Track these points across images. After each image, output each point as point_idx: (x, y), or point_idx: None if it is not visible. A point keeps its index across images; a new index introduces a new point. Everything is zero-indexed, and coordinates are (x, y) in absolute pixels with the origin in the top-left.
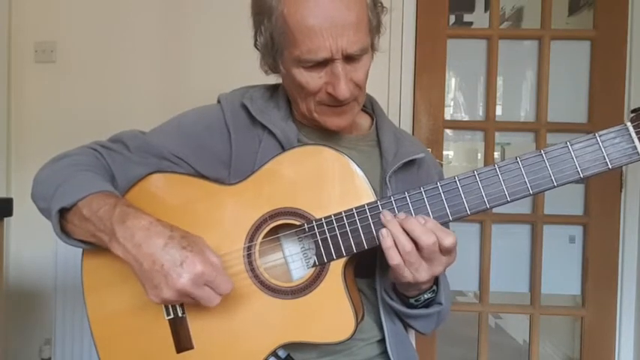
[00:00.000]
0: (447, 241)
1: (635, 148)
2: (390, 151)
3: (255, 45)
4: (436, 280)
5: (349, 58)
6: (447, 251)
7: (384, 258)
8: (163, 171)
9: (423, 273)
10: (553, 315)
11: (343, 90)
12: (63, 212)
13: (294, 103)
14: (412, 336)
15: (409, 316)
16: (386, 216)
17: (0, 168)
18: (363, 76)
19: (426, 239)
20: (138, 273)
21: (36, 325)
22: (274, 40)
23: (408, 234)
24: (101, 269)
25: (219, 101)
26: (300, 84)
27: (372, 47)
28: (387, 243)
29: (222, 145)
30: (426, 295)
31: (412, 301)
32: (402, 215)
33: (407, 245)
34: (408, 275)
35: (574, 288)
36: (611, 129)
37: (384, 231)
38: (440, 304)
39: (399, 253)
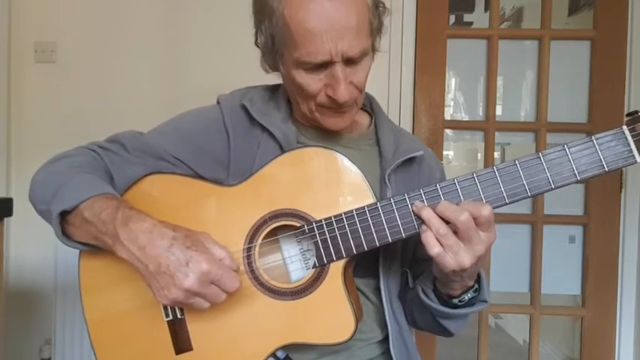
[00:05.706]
0: (484, 210)
1: (631, 151)
2: (389, 149)
3: (256, 43)
4: (478, 279)
5: (349, 61)
6: (483, 225)
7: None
8: (161, 172)
9: (464, 256)
10: (553, 315)
11: (343, 93)
12: (63, 214)
13: (295, 104)
14: (412, 335)
15: (450, 316)
16: (417, 205)
17: (0, 168)
18: (363, 79)
19: (459, 215)
20: (144, 275)
21: (36, 325)
22: (275, 40)
23: (441, 218)
24: (98, 271)
25: (218, 102)
26: (300, 86)
27: (373, 48)
28: (424, 232)
29: (221, 147)
30: (469, 295)
31: (456, 301)
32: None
33: (441, 228)
34: (450, 262)
35: (574, 288)
36: (608, 132)
37: (423, 225)
38: (485, 301)
39: (436, 239)
